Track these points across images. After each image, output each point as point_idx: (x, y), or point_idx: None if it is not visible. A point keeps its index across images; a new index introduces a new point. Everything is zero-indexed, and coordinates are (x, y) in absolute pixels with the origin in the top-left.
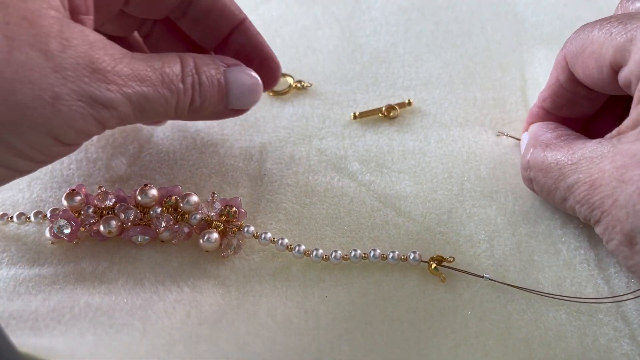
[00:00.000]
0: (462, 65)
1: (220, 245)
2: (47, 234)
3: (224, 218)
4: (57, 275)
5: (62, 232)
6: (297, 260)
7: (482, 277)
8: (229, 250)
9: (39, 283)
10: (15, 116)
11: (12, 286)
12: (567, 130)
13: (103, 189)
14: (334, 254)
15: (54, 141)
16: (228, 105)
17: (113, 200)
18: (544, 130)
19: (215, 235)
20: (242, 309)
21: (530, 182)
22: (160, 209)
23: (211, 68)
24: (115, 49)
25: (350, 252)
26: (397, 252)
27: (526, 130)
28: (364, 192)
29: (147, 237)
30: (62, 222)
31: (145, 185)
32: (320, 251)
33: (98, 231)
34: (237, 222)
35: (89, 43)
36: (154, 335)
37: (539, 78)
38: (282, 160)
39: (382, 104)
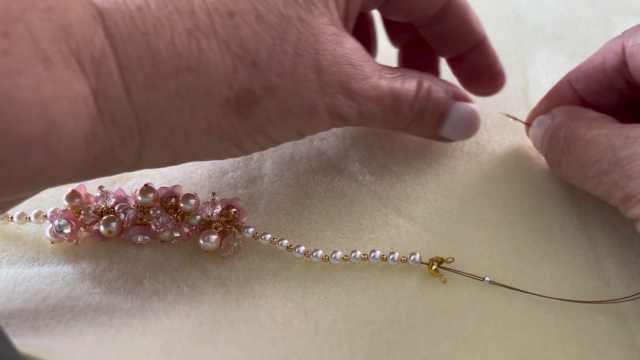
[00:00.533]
0: None
1: (220, 245)
2: (47, 234)
3: (223, 218)
4: (57, 275)
5: (62, 232)
6: (297, 260)
7: (483, 279)
8: (229, 251)
9: (38, 283)
10: (281, 118)
11: (11, 286)
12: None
13: (104, 189)
14: (334, 255)
15: (297, 136)
16: (439, 132)
17: (113, 200)
18: (586, 110)
19: (215, 235)
20: (242, 310)
21: (558, 154)
22: (160, 209)
23: (441, 97)
24: (369, 66)
25: (351, 253)
26: (397, 254)
27: (543, 108)
28: (364, 193)
29: (147, 237)
30: (62, 221)
31: (146, 185)
32: (320, 252)
33: (98, 231)
34: (237, 223)
35: (350, 63)
36: (153, 335)
37: (540, 79)
38: (282, 160)
39: None
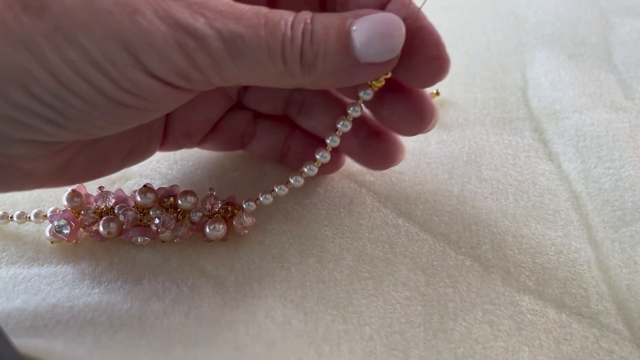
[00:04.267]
0: (463, 66)
1: (227, 235)
2: (47, 234)
3: (223, 212)
4: (56, 275)
5: (61, 232)
6: (296, 261)
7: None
8: (244, 230)
9: (38, 283)
10: (90, 16)
11: (11, 286)
12: None
13: (104, 190)
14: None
15: (134, 62)
16: (356, 56)
17: (113, 200)
18: None
19: (221, 224)
20: (241, 310)
21: None
22: (159, 209)
23: (333, 18)
24: None
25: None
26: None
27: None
28: (364, 193)
29: (147, 238)
30: (62, 222)
31: (145, 186)
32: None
33: (97, 231)
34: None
35: None
36: (152, 335)
37: (540, 78)
38: None
39: None
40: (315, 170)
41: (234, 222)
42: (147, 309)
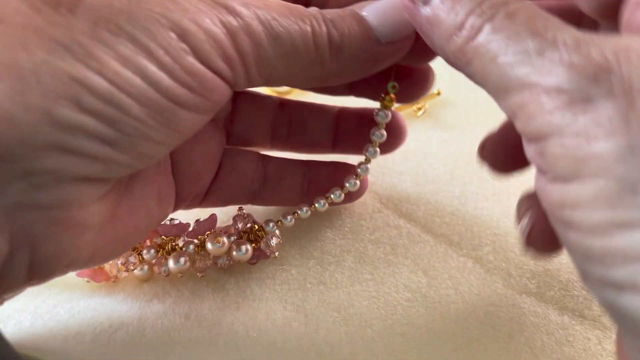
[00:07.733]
0: None
1: (253, 254)
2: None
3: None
4: (57, 279)
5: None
6: (296, 263)
7: None
8: (271, 249)
9: (38, 287)
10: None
11: None
12: None
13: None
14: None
15: (184, 44)
16: (376, 36)
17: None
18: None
19: (247, 245)
20: (242, 312)
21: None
22: (191, 244)
23: (340, 11)
24: None
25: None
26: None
27: None
28: (365, 194)
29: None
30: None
31: (172, 251)
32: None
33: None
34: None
35: None
36: (152, 335)
37: None
38: None
39: None
40: (341, 197)
41: (261, 246)
42: (148, 310)
